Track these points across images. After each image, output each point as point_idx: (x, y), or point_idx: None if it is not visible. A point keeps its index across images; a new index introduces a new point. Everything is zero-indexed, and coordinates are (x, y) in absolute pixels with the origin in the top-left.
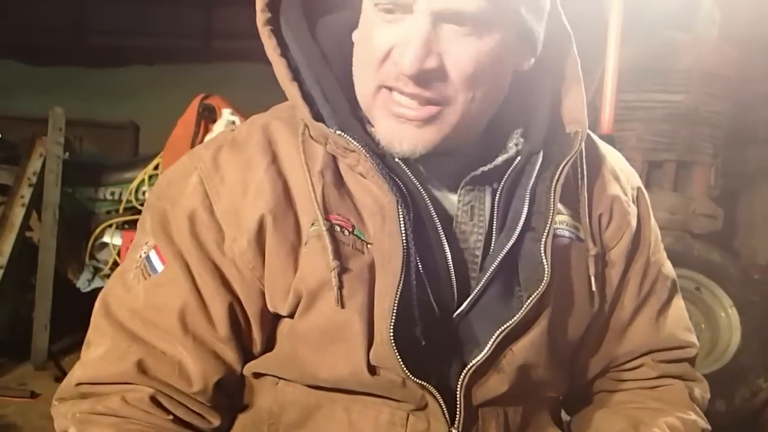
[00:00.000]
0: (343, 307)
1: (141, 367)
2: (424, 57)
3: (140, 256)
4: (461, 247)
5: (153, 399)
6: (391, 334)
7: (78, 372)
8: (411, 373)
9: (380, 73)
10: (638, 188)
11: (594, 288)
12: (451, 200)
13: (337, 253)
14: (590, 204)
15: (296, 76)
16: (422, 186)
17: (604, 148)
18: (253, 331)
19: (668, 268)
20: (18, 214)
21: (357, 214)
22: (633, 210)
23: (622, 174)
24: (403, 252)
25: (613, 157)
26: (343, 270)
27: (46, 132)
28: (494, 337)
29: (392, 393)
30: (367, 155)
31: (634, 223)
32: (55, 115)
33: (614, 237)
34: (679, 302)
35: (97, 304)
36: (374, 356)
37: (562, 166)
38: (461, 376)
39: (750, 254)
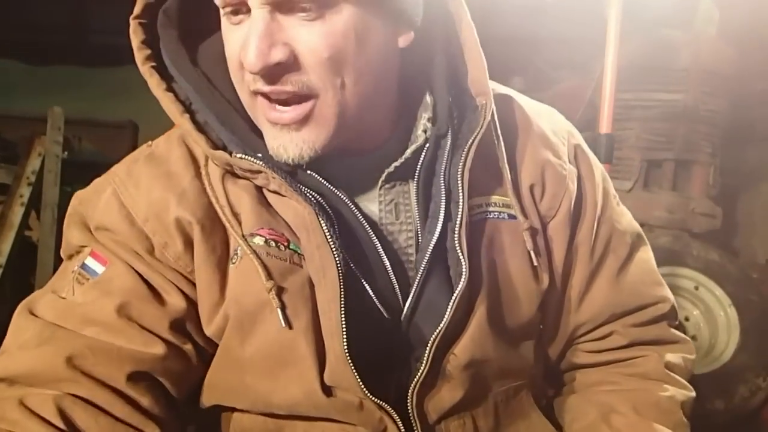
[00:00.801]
0: (291, 327)
1: (70, 355)
2: (267, 50)
3: (73, 271)
4: (393, 248)
5: (58, 403)
6: (346, 351)
7: None
8: (369, 392)
9: (245, 79)
10: (575, 146)
11: (536, 263)
12: (375, 200)
13: (272, 272)
14: (517, 177)
15: (187, 107)
16: (342, 191)
17: (533, 110)
18: (199, 338)
19: (626, 222)
20: (17, 213)
21: (288, 228)
22: (571, 171)
23: (553, 136)
24: (336, 262)
25: (542, 119)
26: (280, 290)
27: (45, 131)
28: (429, 344)
29: (349, 417)
30: (275, 172)
31: (573, 186)
32: (54, 114)
33: (552, 206)
34: (643, 256)
35: (17, 310)
36: (330, 376)
37: (467, 147)
38: (409, 394)
39: (749, 253)
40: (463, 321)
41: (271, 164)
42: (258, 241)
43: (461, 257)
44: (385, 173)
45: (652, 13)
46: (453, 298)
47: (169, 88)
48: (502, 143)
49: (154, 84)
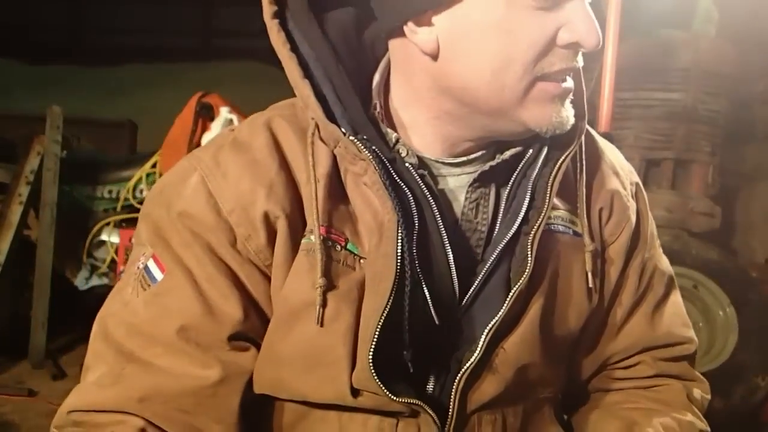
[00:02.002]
0: (321, 325)
1: (139, 393)
2: None
3: (138, 268)
4: (464, 245)
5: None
6: (370, 360)
7: (71, 399)
8: (395, 395)
9: (540, 65)
10: (636, 184)
11: (591, 284)
12: (461, 199)
13: (327, 271)
14: (589, 199)
15: (306, 73)
16: (432, 192)
17: (603, 143)
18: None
19: (665, 264)
20: (16, 212)
21: (353, 225)
22: (632, 205)
23: (621, 170)
24: (396, 275)
25: (612, 153)
26: (329, 287)
27: (43, 130)
28: (484, 335)
29: (381, 408)
30: (376, 168)
31: (633, 218)
32: (53, 114)
33: (614, 232)
34: (676, 298)
35: (94, 326)
36: (356, 380)
37: (561, 160)
38: (456, 381)
39: (748, 252)
40: (516, 318)
41: (375, 154)
42: (321, 238)
43: (529, 256)
44: (479, 171)
45: (651, 14)
46: (513, 290)
47: (293, 50)
48: (585, 164)
49: (280, 42)
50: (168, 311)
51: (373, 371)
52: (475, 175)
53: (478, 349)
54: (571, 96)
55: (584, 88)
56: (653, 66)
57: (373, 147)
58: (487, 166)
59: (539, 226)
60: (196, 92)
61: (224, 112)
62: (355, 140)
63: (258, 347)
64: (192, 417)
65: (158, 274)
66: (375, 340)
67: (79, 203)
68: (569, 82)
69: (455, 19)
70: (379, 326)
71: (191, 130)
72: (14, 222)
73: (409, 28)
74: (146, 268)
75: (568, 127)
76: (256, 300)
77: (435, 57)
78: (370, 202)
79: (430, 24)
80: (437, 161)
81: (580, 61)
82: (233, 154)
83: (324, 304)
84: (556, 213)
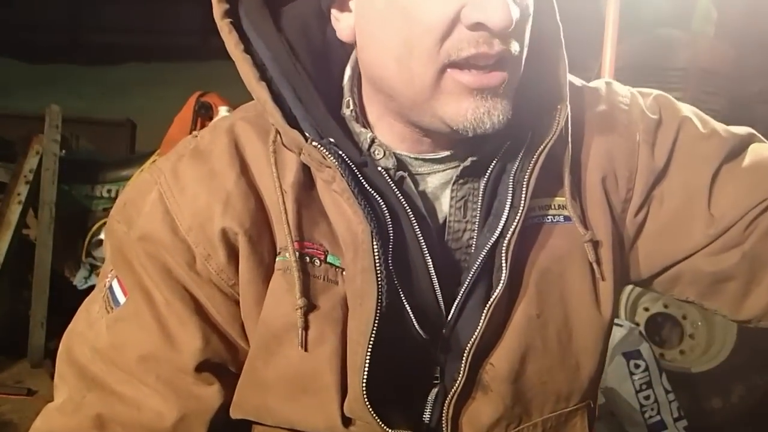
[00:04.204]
0: (306, 350)
1: (98, 420)
2: (512, 2)
3: (105, 286)
4: (452, 248)
5: None
6: (364, 390)
7: (37, 422)
8: (389, 426)
9: (444, 49)
10: (642, 111)
11: (598, 273)
12: (447, 198)
13: (306, 290)
14: (584, 179)
15: (263, 74)
16: (409, 196)
17: (592, 95)
18: (238, 351)
19: (731, 131)
20: (15, 211)
21: (332, 235)
22: (647, 131)
23: (620, 112)
24: (378, 292)
25: (606, 99)
26: (310, 308)
27: (42, 130)
28: (466, 353)
29: None
30: (343, 175)
31: (649, 145)
32: (52, 113)
33: (628, 186)
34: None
35: (62, 342)
36: (348, 410)
37: (537, 153)
38: (445, 406)
39: None
40: (501, 328)
41: (342, 159)
42: (297, 256)
43: (503, 264)
44: (461, 167)
45: (650, 13)
46: (488, 304)
47: (247, 50)
48: (570, 149)
49: (232, 43)
50: (128, 339)
51: (366, 401)
52: (458, 171)
53: (461, 370)
54: (501, 89)
55: (567, 64)
56: (652, 65)
57: (340, 152)
58: (468, 161)
59: (515, 230)
60: (195, 91)
61: (223, 112)
62: (319, 145)
63: (226, 376)
64: None
65: (121, 297)
66: (367, 368)
67: (78, 203)
68: (492, 73)
69: (364, 2)
70: (369, 352)
71: (190, 130)
72: (13, 221)
73: (334, 15)
74: (110, 288)
75: (498, 126)
76: (219, 324)
77: (356, 45)
78: (343, 211)
79: (348, 10)
80: (417, 158)
81: (514, 47)
82: (192, 165)
83: (306, 327)
84: (547, 202)
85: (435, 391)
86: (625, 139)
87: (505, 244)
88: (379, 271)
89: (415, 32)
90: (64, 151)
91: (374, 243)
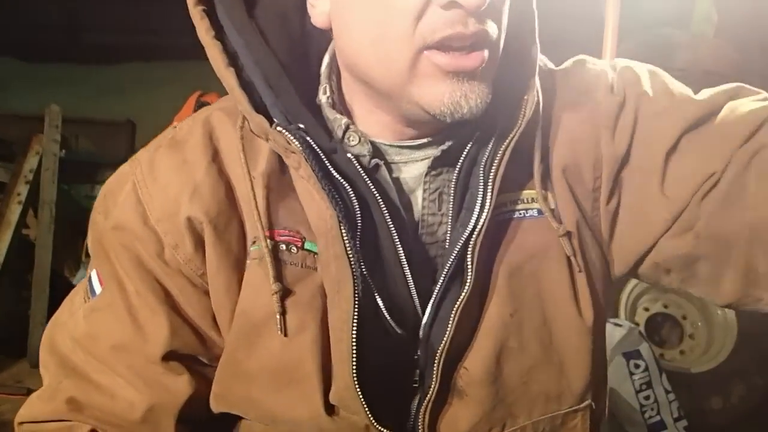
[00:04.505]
0: (285, 335)
1: (73, 404)
2: None
3: (86, 276)
4: (427, 243)
5: None
6: (355, 379)
7: (22, 410)
8: (376, 419)
9: (419, 31)
10: (613, 86)
11: (576, 265)
12: (421, 190)
13: (281, 277)
14: (550, 168)
15: (234, 61)
16: (380, 185)
17: (563, 78)
18: (209, 342)
19: (705, 95)
20: (14, 211)
21: (307, 222)
22: (608, 116)
23: (586, 97)
24: (353, 277)
25: (577, 80)
26: (287, 293)
27: (42, 130)
28: (437, 358)
29: None
30: (308, 160)
31: (611, 130)
32: (52, 113)
33: (596, 175)
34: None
35: (44, 334)
36: (335, 398)
37: (504, 145)
38: (420, 414)
39: None
40: (473, 331)
41: (308, 145)
42: (271, 243)
43: (469, 265)
44: (432, 158)
45: (650, 14)
46: (455, 307)
47: (218, 37)
48: (539, 139)
49: (203, 29)
50: (101, 329)
51: (358, 390)
52: (430, 161)
53: (435, 377)
54: (479, 72)
55: (538, 50)
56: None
57: (307, 138)
58: (438, 151)
59: (481, 228)
60: (195, 91)
61: None
62: (284, 131)
63: (197, 367)
64: None
65: (98, 287)
66: (355, 355)
67: (78, 202)
68: (470, 54)
69: None
70: (354, 339)
71: None
72: (13, 221)
73: (309, 1)
74: (90, 278)
75: (477, 111)
76: (189, 316)
77: (332, 32)
78: (313, 197)
79: None
80: (394, 146)
81: (491, 27)
82: (167, 155)
83: (283, 312)
84: (516, 196)
85: (418, 396)
86: (588, 125)
87: (471, 243)
88: (351, 257)
89: (388, 15)
90: (64, 151)
91: (342, 228)
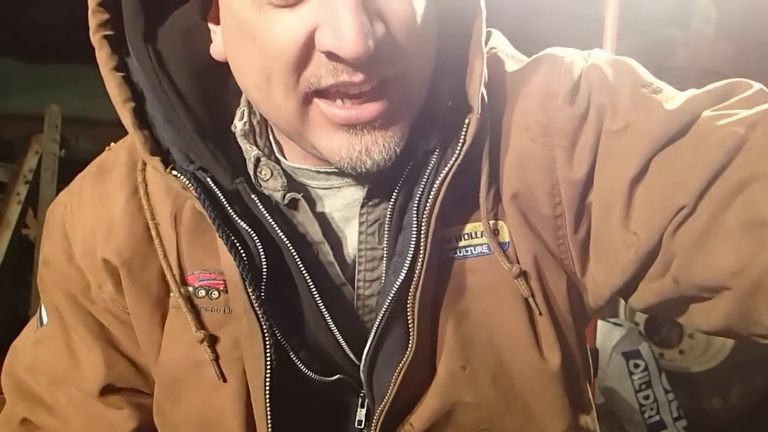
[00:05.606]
0: (225, 381)
1: (27, 426)
2: (370, 25)
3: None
4: (368, 280)
5: None
6: None
7: None
8: None
9: (304, 77)
10: (579, 79)
11: (534, 306)
12: (356, 222)
13: (202, 324)
14: (499, 197)
15: (136, 94)
16: (292, 225)
17: (512, 88)
18: (149, 375)
19: (685, 97)
20: (14, 211)
21: None
22: (560, 127)
23: (539, 109)
24: (262, 333)
25: (530, 91)
26: (213, 340)
27: (42, 129)
28: (376, 416)
29: None
30: (205, 205)
31: (565, 148)
32: (51, 113)
33: (555, 201)
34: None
35: (6, 358)
36: None
37: (440, 179)
38: None
39: None
40: (420, 388)
41: (205, 189)
42: (189, 289)
43: (410, 325)
44: (366, 188)
45: (649, 13)
46: (397, 370)
47: (119, 68)
48: (487, 160)
49: (102, 59)
50: (43, 361)
51: None
52: (365, 192)
53: (372, 430)
54: (379, 121)
55: (483, 71)
56: (651, 65)
57: (207, 179)
58: (373, 182)
59: (419, 279)
60: None
61: None
62: (178, 174)
63: (138, 399)
64: None
65: (45, 317)
66: (270, 420)
67: None
68: (365, 105)
69: (223, 20)
70: (267, 399)
71: None
72: (13, 221)
73: (211, 27)
74: (40, 307)
75: (384, 164)
76: (125, 349)
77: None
78: (221, 242)
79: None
80: (321, 172)
81: (388, 70)
82: (92, 185)
83: (217, 358)
84: (467, 230)
85: None
86: (540, 144)
87: (409, 302)
88: (258, 310)
89: (268, 60)
90: (63, 151)
91: (246, 280)
